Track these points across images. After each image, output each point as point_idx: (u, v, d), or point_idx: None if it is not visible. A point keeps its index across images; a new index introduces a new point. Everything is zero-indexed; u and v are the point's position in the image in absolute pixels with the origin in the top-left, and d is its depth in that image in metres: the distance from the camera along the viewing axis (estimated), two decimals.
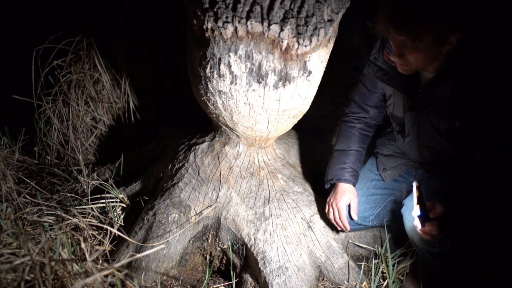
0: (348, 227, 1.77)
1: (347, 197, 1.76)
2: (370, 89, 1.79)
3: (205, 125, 2.00)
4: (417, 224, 1.42)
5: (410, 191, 1.70)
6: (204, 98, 1.61)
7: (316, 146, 2.25)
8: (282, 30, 1.35)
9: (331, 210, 1.78)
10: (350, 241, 1.88)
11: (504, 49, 1.46)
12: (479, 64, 1.42)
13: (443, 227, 1.40)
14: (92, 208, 1.86)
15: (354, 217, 1.76)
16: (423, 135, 1.64)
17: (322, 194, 1.99)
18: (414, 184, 1.38)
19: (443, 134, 1.57)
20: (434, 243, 1.54)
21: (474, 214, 1.46)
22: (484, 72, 1.41)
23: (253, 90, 1.50)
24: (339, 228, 1.81)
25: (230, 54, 1.42)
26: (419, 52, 1.40)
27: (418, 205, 1.38)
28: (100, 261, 1.66)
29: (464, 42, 1.41)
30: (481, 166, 1.51)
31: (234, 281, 1.71)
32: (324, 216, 1.85)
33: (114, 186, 1.96)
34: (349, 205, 1.78)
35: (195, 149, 1.90)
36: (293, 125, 1.76)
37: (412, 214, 1.43)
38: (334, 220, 1.78)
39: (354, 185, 1.82)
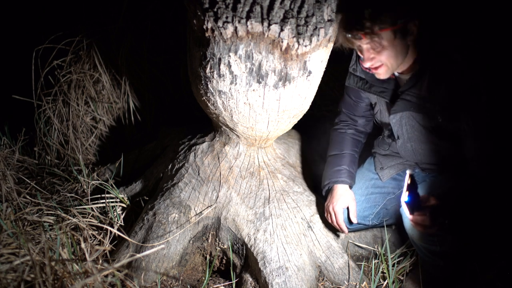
0: (346, 230, 1.77)
1: (343, 201, 1.76)
2: (354, 100, 1.84)
3: (205, 125, 2.00)
4: (406, 210, 1.42)
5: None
6: (204, 98, 1.61)
7: (316, 146, 2.25)
8: (282, 30, 1.35)
9: (328, 214, 1.78)
10: (350, 241, 1.88)
11: (476, 40, 1.49)
12: (451, 58, 1.45)
13: (436, 218, 1.40)
14: (92, 208, 1.86)
15: (354, 220, 1.76)
16: (413, 136, 1.67)
17: (322, 194, 1.99)
18: (408, 172, 1.39)
19: (430, 132, 1.60)
20: (434, 241, 1.54)
21: (471, 208, 1.46)
22: (457, 65, 1.44)
23: (253, 90, 1.50)
24: (341, 231, 1.81)
25: (230, 54, 1.42)
26: (386, 49, 1.44)
27: (407, 192, 1.39)
28: (100, 261, 1.66)
29: (428, 35, 1.46)
30: (471, 159, 1.52)
31: (234, 281, 1.71)
32: (324, 217, 1.85)
33: (114, 186, 1.96)
34: (348, 209, 1.77)
35: (195, 149, 1.90)
36: (293, 125, 1.76)
37: (401, 200, 1.43)
38: (332, 224, 1.78)
39: (351, 187, 1.82)
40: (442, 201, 1.42)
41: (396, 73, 1.62)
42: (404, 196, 1.40)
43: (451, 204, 1.44)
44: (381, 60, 1.48)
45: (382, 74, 1.54)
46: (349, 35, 1.43)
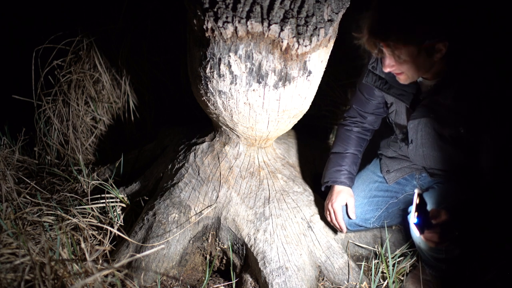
0: (345, 229, 1.77)
1: (342, 198, 1.76)
2: (367, 97, 1.81)
3: (205, 125, 2.00)
4: (415, 231, 1.42)
5: (413, 195, 1.70)
6: (204, 98, 1.61)
7: (316, 146, 2.25)
8: (282, 30, 1.35)
9: (327, 212, 1.79)
10: (350, 241, 1.88)
11: (503, 53, 1.46)
12: (481, 71, 1.42)
13: (446, 234, 1.39)
14: (92, 208, 1.86)
15: (352, 216, 1.76)
16: (427, 142, 1.64)
17: (322, 194, 1.99)
18: (416, 191, 1.38)
19: (447, 140, 1.57)
20: (441, 250, 1.54)
21: (479, 219, 1.46)
22: (487, 78, 1.41)
23: (253, 90, 1.50)
24: (338, 230, 1.81)
25: (230, 54, 1.42)
26: (407, 62, 1.41)
27: (416, 213, 1.39)
28: (100, 261, 1.66)
29: (458, 49, 1.41)
30: (488, 171, 1.50)
31: (234, 281, 1.71)
32: (324, 216, 1.85)
33: (114, 186, 1.96)
34: (346, 206, 1.78)
35: (195, 149, 1.90)
36: (293, 125, 1.76)
37: (409, 221, 1.43)
38: (331, 222, 1.78)
39: (350, 187, 1.82)
40: (452, 215, 1.41)
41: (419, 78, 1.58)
42: (413, 218, 1.39)
43: (461, 217, 1.43)
44: (401, 69, 1.46)
45: (402, 80, 1.51)
46: (372, 39, 1.40)
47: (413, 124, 1.64)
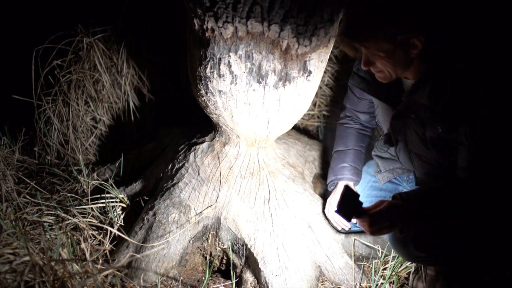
0: (349, 225, 1.77)
1: None
2: (358, 96, 1.82)
3: (205, 125, 2.00)
4: (341, 220, 1.47)
5: None
6: (204, 98, 1.61)
7: (316, 146, 2.25)
8: (282, 30, 1.35)
9: (329, 207, 1.78)
10: (351, 240, 1.88)
11: (479, 51, 1.43)
12: (455, 69, 1.39)
13: (376, 222, 1.36)
14: (92, 208, 1.86)
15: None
16: (411, 143, 1.62)
17: (322, 194, 1.99)
18: (342, 184, 1.38)
19: (428, 142, 1.54)
20: (422, 261, 1.54)
21: (447, 215, 1.43)
22: (460, 76, 1.38)
23: (253, 90, 1.50)
24: (339, 228, 1.81)
25: (230, 54, 1.42)
26: (383, 59, 1.40)
27: (339, 202, 1.41)
28: (100, 261, 1.66)
29: (435, 46, 1.39)
30: (462, 168, 1.45)
31: (234, 281, 1.71)
32: (324, 216, 1.86)
33: (114, 186, 1.96)
34: None
35: (195, 149, 1.90)
36: (293, 125, 1.76)
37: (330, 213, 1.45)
38: (334, 219, 1.78)
39: (357, 182, 1.81)
40: (406, 199, 1.38)
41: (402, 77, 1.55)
42: (335, 207, 1.40)
43: (419, 203, 1.39)
44: (378, 67, 1.44)
45: (381, 78, 1.50)
46: (346, 40, 1.41)
47: (395, 125, 1.62)
